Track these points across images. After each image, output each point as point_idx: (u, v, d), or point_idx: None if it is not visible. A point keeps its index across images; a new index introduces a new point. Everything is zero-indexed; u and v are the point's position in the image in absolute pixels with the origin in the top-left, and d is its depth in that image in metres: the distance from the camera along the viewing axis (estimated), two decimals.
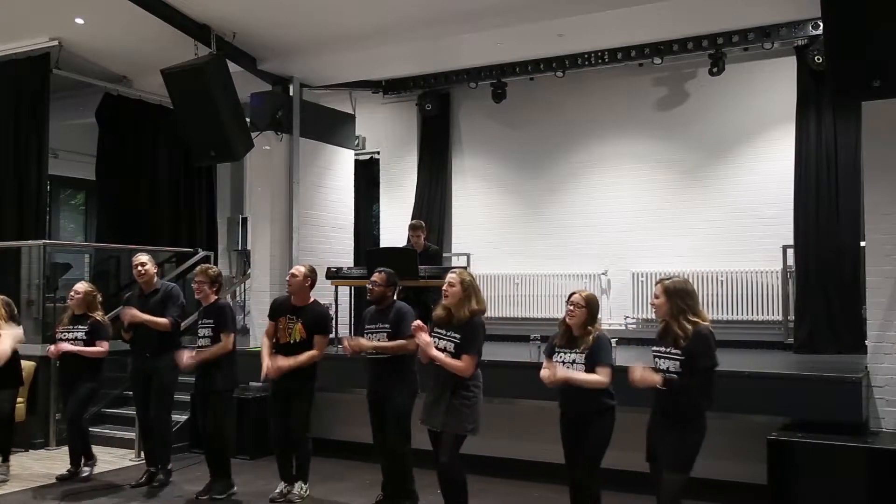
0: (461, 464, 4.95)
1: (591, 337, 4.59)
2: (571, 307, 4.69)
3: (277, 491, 5.98)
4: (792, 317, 8.61)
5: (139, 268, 6.42)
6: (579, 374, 4.51)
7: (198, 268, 6.32)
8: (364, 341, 5.51)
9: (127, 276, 9.67)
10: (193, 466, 6.72)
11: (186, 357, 6.01)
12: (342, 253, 9.73)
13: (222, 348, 5.98)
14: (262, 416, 7.34)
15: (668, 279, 4.36)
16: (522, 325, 9.52)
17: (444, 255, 10.17)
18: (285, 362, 5.72)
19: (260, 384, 7.19)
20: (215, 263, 9.86)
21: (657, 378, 4.13)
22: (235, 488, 6.12)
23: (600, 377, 4.50)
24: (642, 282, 9.52)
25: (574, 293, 4.76)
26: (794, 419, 5.75)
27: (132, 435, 7.36)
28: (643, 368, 4.22)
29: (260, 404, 7.50)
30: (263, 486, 6.18)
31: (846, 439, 5.34)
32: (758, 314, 8.98)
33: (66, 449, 6.91)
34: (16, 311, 6.67)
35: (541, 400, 5.78)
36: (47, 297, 8.22)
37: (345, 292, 8.39)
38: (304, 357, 5.76)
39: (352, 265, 9.18)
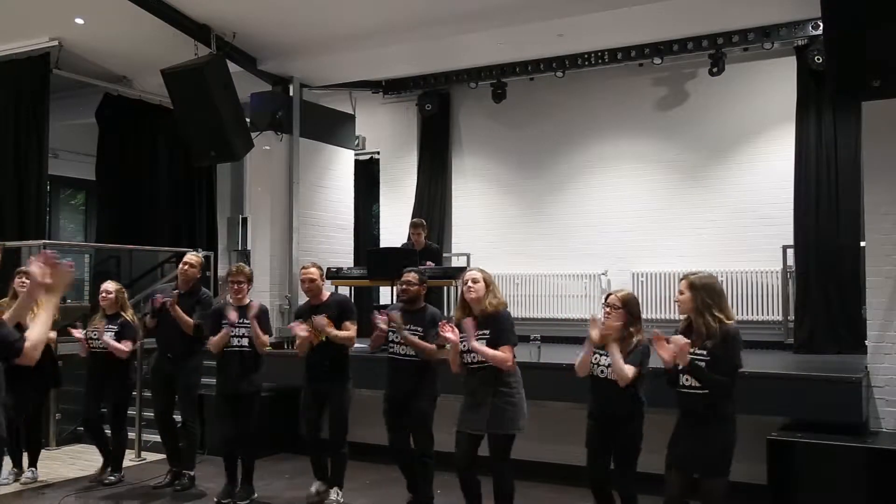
0: (512, 468, 4.86)
1: (633, 341, 4.43)
2: (608, 309, 4.51)
3: (313, 490, 5.84)
4: (792, 317, 8.61)
5: (186, 268, 6.32)
6: (612, 354, 4.35)
7: (234, 267, 6.16)
8: (397, 316, 5.27)
9: (126, 277, 9.69)
10: (199, 465, 6.68)
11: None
12: (342, 253, 9.74)
13: (264, 348, 5.95)
14: (266, 416, 7.33)
15: (693, 274, 4.21)
16: (522, 325, 9.39)
17: (444, 255, 10.17)
18: (323, 319, 5.54)
19: (267, 384, 7.18)
20: (215, 263, 9.87)
21: (685, 346, 3.95)
22: (256, 494, 6.02)
23: (628, 369, 4.35)
24: (643, 282, 9.53)
25: (610, 294, 4.60)
26: (794, 419, 5.75)
27: (132, 435, 7.35)
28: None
29: (268, 404, 7.48)
30: (266, 487, 6.18)
31: (846, 439, 5.33)
32: (758, 314, 8.98)
33: (66, 449, 6.91)
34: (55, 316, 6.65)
35: (540, 400, 5.77)
36: None
37: (345, 292, 8.37)
38: (344, 333, 5.62)
39: (352, 265, 9.18)
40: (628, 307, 4.49)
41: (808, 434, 5.41)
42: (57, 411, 7.78)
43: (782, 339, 8.75)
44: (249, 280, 6.06)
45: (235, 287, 5.95)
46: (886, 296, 5.85)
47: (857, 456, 5.23)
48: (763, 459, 5.41)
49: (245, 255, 11.10)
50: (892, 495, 5.08)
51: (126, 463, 6.80)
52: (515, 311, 9.91)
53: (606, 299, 4.59)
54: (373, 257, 8.09)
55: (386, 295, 8.96)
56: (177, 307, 6.08)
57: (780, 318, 8.87)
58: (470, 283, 4.87)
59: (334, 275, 8.11)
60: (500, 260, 10.43)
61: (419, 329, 5.35)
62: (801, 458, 5.33)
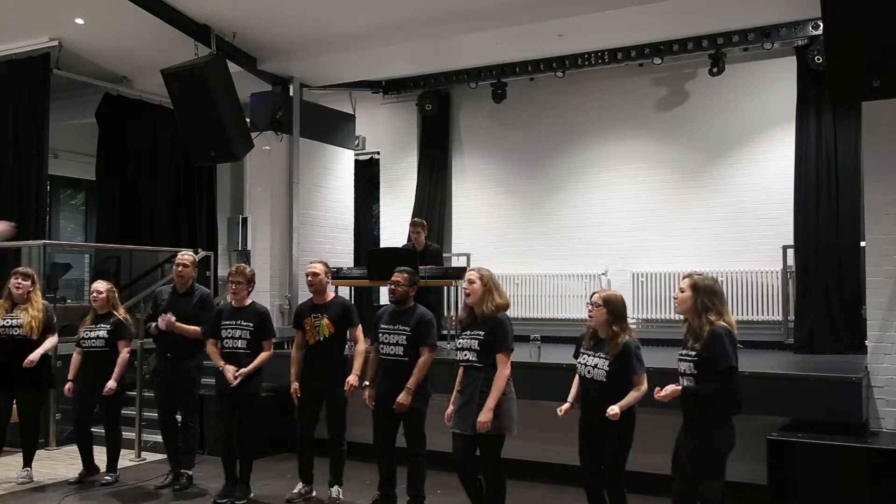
0: (501, 467, 4.88)
1: (618, 342, 4.43)
2: (590, 307, 4.57)
3: (295, 491, 5.94)
4: (792, 317, 8.61)
5: (180, 268, 6.29)
6: (624, 402, 4.36)
7: (234, 268, 6.10)
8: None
9: (126, 276, 9.70)
10: (199, 465, 6.68)
11: (233, 374, 5.77)
12: (342, 253, 9.74)
13: (267, 357, 5.91)
14: (265, 416, 7.32)
15: (697, 275, 4.23)
16: (522, 325, 9.47)
17: (444, 255, 10.16)
18: (355, 379, 5.67)
19: (267, 384, 7.17)
20: (215, 263, 9.86)
21: (675, 388, 4.08)
22: (252, 494, 6.02)
23: (638, 390, 4.39)
24: (642, 282, 9.53)
25: (595, 293, 4.65)
26: (794, 419, 5.75)
27: (132, 435, 7.35)
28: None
29: (264, 405, 7.46)
30: (265, 487, 6.17)
31: (846, 439, 5.33)
32: (758, 314, 8.98)
33: (66, 449, 6.88)
34: (54, 319, 6.62)
35: (541, 400, 5.77)
36: (47, 297, 8.19)
37: (345, 292, 8.37)
38: (360, 360, 5.72)
39: (352, 265, 9.18)
40: (609, 305, 4.50)
41: (808, 434, 5.41)
42: (57, 411, 7.77)
43: (782, 339, 8.75)
44: (249, 281, 6.01)
45: (234, 287, 5.94)
46: (886, 296, 5.85)
47: (857, 456, 5.22)
48: (763, 459, 5.42)
49: (245, 255, 11.11)
50: (892, 495, 5.08)
51: (126, 463, 6.79)
52: (515, 312, 9.98)
53: (591, 298, 4.63)
54: (373, 257, 8.08)
55: (386, 295, 8.95)
56: (181, 325, 6.07)
57: (780, 318, 8.87)
58: (466, 285, 4.88)
59: (334, 275, 8.08)
60: (500, 260, 10.42)
61: (406, 330, 5.37)
62: (801, 458, 5.33)
